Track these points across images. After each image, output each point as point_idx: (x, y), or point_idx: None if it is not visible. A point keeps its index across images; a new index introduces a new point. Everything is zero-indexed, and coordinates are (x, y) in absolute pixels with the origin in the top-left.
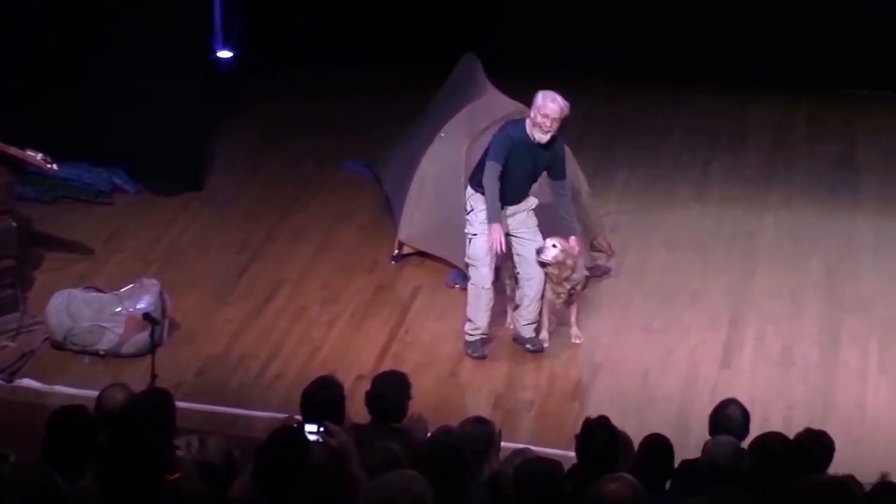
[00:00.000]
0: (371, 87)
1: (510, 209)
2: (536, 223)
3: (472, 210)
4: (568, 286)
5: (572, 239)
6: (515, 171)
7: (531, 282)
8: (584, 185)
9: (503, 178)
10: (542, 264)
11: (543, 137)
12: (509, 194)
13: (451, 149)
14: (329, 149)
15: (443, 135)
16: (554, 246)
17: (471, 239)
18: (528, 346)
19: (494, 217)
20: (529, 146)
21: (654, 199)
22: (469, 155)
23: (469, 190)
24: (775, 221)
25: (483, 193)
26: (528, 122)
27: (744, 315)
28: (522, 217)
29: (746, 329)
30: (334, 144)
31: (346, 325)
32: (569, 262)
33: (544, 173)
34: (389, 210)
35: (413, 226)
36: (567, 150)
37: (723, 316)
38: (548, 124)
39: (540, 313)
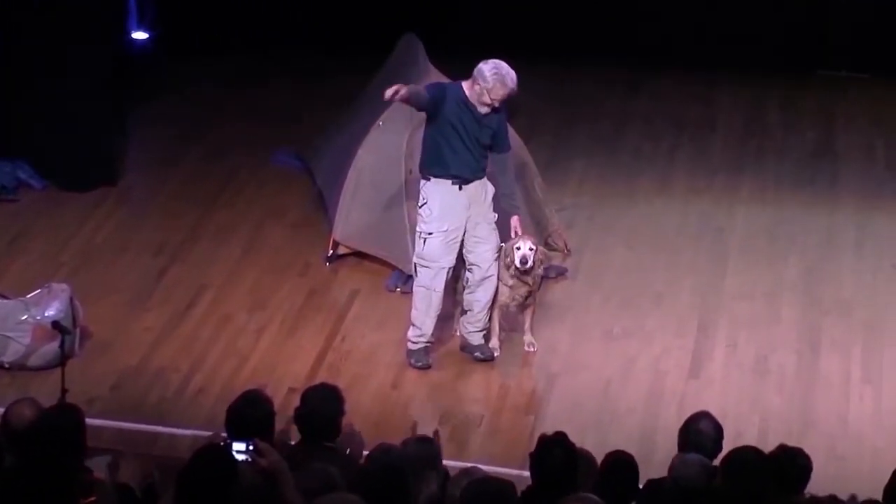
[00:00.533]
0: (302, 70)
1: (467, 191)
2: (495, 219)
3: (424, 202)
4: (531, 284)
5: (514, 219)
6: (459, 134)
7: (484, 285)
8: (536, 177)
9: (446, 145)
10: (525, 272)
11: (487, 110)
12: (458, 165)
13: (390, 139)
14: (256, 139)
15: (381, 123)
16: (531, 249)
17: (426, 239)
18: (476, 354)
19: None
20: (471, 109)
21: (614, 192)
22: (410, 145)
23: (421, 180)
24: (747, 216)
25: (432, 178)
26: (466, 85)
27: (714, 319)
28: (483, 211)
29: (717, 335)
30: (262, 134)
31: (277, 333)
32: (540, 255)
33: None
34: (323, 206)
35: (349, 223)
36: (517, 137)
37: (691, 321)
38: (495, 105)
39: (490, 319)
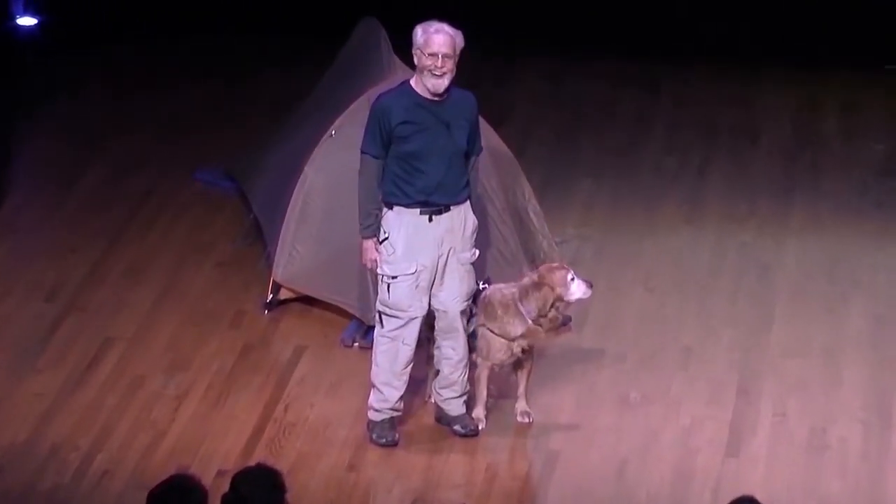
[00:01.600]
0: (233, 64)
1: (441, 222)
2: (474, 257)
3: (386, 237)
4: (545, 333)
5: (486, 292)
6: (427, 149)
7: (451, 339)
8: (531, 200)
9: (410, 163)
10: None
11: (440, 83)
12: (428, 188)
13: (345, 153)
14: (174, 153)
15: (333, 133)
16: (573, 279)
17: (389, 284)
18: (456, 427)
19: (365, 229)
20: (431, 109)
21: (630, 219)
22: None
23: (383, 208)
24: (799, 249)
25: (393, 207)
26: (413, 80)
27: (757, 382)
28: (459, 245)
29: (761, 402)
30: (182, 147)
31: (202, 400)
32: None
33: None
34: (260, 239)
35: (294, 261)
36: (503, 146)
37: (728, 384)
38: (439, 64)
39: (474, 381)
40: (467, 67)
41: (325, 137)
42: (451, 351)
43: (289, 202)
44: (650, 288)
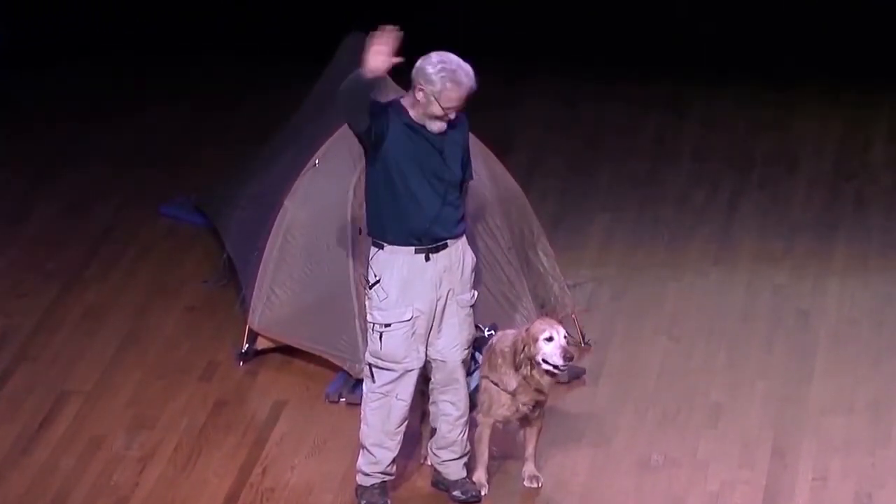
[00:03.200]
0: (202, 85)
1: (438, 261)
2: (473, 299)
3: (376, 281)
4: (546, 391)
5: (493, 338)
6: (421, 179)
7: (450, 392)
8: (540, 238)
9: (400, 195)
10: (553, 374)
11: (444, 126)
12: (422, 222)
13: (330, 184)
14: (137, 184)
15: (317, 163)
16: (566, 337)
17: (381, 333)
18: (455, 493)
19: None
20: (424, 134)
21: (651, 259)
22: (360, 192)
23: (371, 248)
24: (842, 293)
25: (384, 246)
26: (407, 101)
27: (795, 442)
28: (457, 286)
29: (799, 464)
30: (145, 177)
31: (169, 463)
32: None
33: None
34: (235, 281)
35: (272, 305)
36: (509, 178)
37: (762, 443)
38: (452, 116)
39: (475, 440)
40: None
41: (307, 167)
42: (449, 406)
43: (267, 240)
44: (674, 336)
